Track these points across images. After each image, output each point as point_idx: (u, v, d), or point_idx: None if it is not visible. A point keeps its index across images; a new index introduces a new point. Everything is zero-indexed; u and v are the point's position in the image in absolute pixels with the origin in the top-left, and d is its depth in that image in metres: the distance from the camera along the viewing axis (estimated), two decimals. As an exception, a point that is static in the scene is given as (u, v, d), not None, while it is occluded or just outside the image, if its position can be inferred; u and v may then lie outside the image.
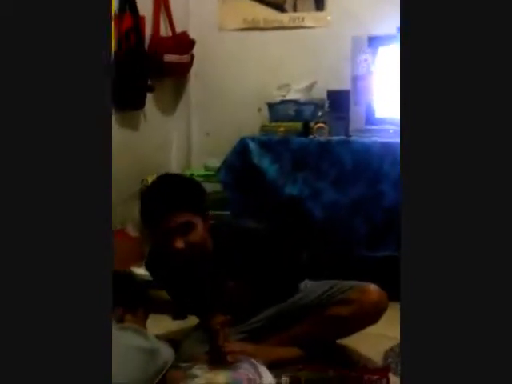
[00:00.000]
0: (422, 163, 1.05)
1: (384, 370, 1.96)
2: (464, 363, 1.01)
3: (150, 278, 2.58)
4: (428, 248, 1.03)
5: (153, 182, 2.25)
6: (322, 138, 2.86)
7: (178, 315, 2.57)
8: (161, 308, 2.53)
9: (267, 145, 2.91)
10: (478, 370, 1.00)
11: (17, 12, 1.03)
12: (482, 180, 1.02)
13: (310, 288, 2.15)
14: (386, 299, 2.07)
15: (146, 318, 1.97)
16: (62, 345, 1.01)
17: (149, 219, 1.98)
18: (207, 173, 3.25)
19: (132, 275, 2.59)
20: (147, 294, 2.52)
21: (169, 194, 1.92)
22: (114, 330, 1.69)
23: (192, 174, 3.34)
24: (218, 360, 1.89)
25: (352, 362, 2.11)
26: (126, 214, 2.65)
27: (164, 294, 2.66)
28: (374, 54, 2.90)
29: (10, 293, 1.00)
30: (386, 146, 2.72)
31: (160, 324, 2.37)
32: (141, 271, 2.64)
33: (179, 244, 1.89)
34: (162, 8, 3.25)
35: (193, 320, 2.38)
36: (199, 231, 1.94)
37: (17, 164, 1.02)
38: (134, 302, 1.93)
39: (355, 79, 2.91)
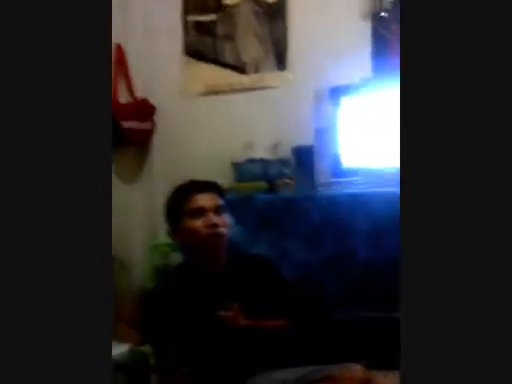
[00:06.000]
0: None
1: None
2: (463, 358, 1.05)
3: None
4: (428, 255, 1.07)
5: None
6: (288, 194, 2.71)
7: None
8: None
9: (229, 205, 2.74)
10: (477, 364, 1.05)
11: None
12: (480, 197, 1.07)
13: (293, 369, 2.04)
14: (371, 378, 1.91)
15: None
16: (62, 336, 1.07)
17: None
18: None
19: None
20: None
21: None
22: None
23: (158, 244, 3.18)
24: None
25: None
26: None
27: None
28: (336, 104, 2.79)
29: (11, 282, 1.04)
30: (355, 197, 2.56)
31: None
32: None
33: (215, 219, 2.01)
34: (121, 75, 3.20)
35: None
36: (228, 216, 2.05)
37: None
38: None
39: (318, 132, 2.80)
